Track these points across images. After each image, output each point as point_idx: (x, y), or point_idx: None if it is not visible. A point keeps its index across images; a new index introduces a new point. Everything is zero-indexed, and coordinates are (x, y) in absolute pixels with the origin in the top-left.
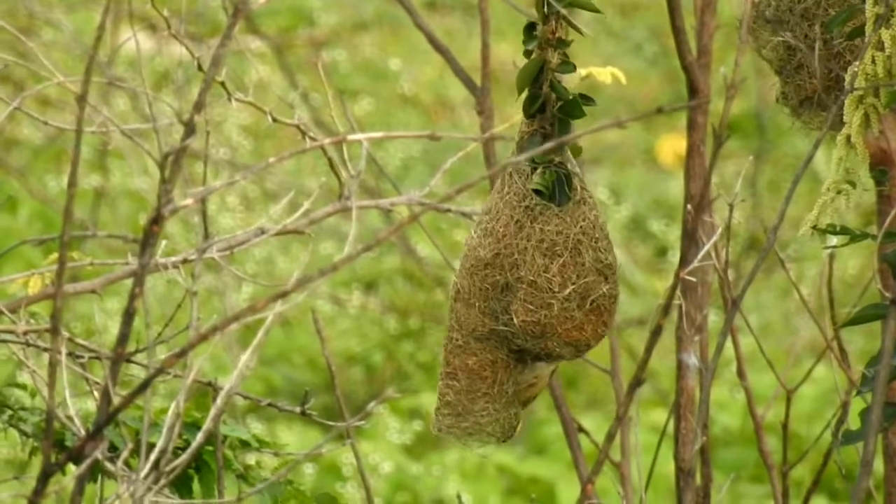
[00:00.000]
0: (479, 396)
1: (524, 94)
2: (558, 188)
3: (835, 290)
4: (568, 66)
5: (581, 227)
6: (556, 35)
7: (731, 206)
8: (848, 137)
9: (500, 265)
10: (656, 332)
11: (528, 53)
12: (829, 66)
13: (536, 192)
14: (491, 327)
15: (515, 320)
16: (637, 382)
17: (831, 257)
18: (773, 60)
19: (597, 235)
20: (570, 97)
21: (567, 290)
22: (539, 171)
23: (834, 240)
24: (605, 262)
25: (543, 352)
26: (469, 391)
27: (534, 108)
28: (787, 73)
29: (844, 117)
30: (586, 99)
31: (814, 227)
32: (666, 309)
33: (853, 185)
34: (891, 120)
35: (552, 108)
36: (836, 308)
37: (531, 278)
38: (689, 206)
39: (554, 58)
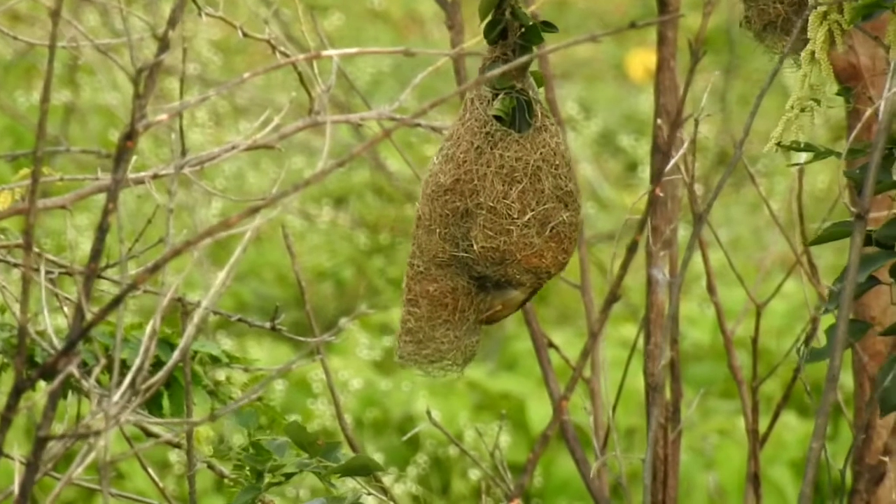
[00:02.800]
0: (440, 324)
1: (486, 21)
2: (519, 115)
3: (805, 205)
4: None
5: (541, 153)
6: None
7: (697, 121)
8: (812, 54)
9: (460, 191)
10: (632, 249)
11: None
12: None
13: (497, 118)
14: (451, 254)
15: (475, 246)
16: (612, 299)
17: (801, 172)
18: None
19: (557, 163)
20: (531, 24)
21: (526, 217)
22: (500, 97)
23: (802, 157)
24: (566, 189)
25: (503, 279)
26: (430, 318)
27: (494, 34)
28: None
29: (808, 34)
30: (548, 25)
31: (778, 144)
32: (641, 225)
33: (818, 101)
34: (860, 34)
35: (514, 34)
36: (806, 223)
37: (490, 204)
38: (659, 121)
39: None
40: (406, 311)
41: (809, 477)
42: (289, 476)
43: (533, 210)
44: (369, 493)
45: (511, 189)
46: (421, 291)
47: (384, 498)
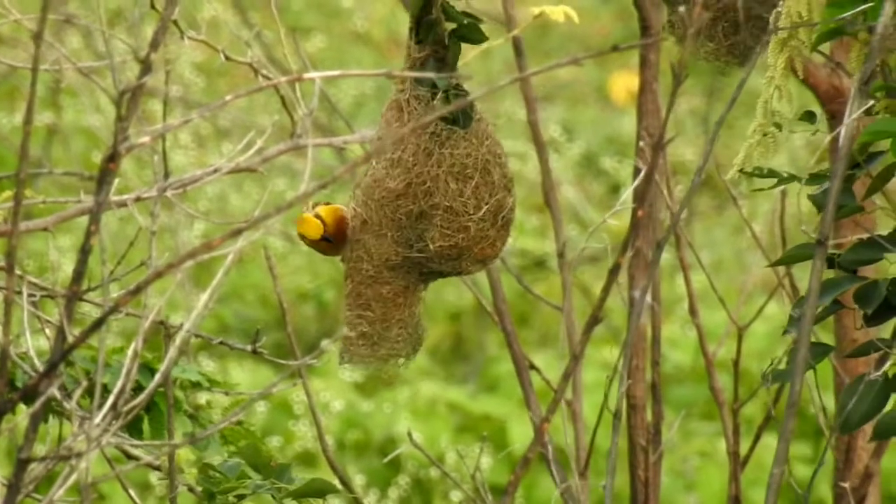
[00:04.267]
0: (394, 323)
1: (414, 19)
2: (460, 111)
3: (787, 227)
4: None
5: (486, 146)
6: None
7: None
8: (772, 79)
9: (413, 194)
10: (614, 272)
11: None
12: None
13: (441, 118)
14: (404, 255)
15: (431, 246)
16: (594, 321)
17: (783, 194)
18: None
19: (499, 151)
20: (466, 21)
21: (482, 211)
22: (440, 96)
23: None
24: (508, 176)
25: (455, 271)
26: (384, 320)
27: (427, 34)
28: (674, 1)
29: (769, 60)
30: (472, 18)
31: (741, 170)
32: (624, 248)
33: (779, 127)
34: (842, 54)
35: (444, 32)
36: (789, 244)
37: (447, 204)
38: (642, 144)
39: None
40: (356, 315)
41: (771, 502)
42: (241, 497)
43: (487, 203)
44: None
45: (465, 186)
46: (374, 295)
47: None
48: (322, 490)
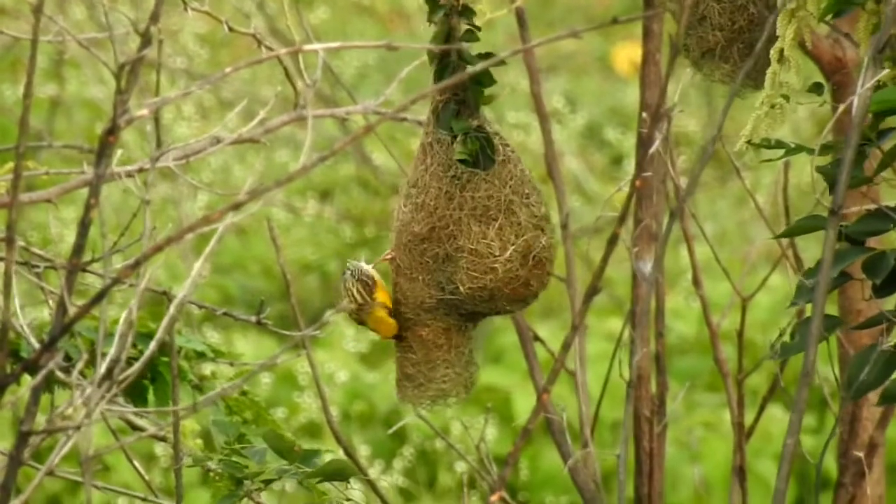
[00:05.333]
0: (439, 364)
1: (435, 64)
2: (481, 152)
3: (790, 198)
4: (473, 35)
5: (510, 186)
6: (461, 2)
7: (670, 116)
8: (781, 51)
9: (437, 238)
10: (612, 242)
11: (433, 23)
12: (733, 17)
13: (461, 161)
14: (438, 298)
15: (461, 289)
16: (593, 291)
17: (786, 165)
18: (676, 12)
19: (527, 191)
20: (479, 68)
21: (507, 252)
22: (459, 139)
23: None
24: (539, 215)
25: (493, 311)
26: (427, 361)
27: (445, 78)
28: (690, 25)
29: (777, 31)
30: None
31: (749, 142)
32: (622, 218)
33: (787, 98)
34: (846, 24)
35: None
36: (792, 216)
37: (471, 246)
38: (644, 115)
39: (460, 26)
40: (401, 357)
41: (784, 472)
42: (268, 482)
43: (513, 244)
44: (348, 500)
45: (488, 228)
46: (413, 338)
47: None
48: (343, 472)
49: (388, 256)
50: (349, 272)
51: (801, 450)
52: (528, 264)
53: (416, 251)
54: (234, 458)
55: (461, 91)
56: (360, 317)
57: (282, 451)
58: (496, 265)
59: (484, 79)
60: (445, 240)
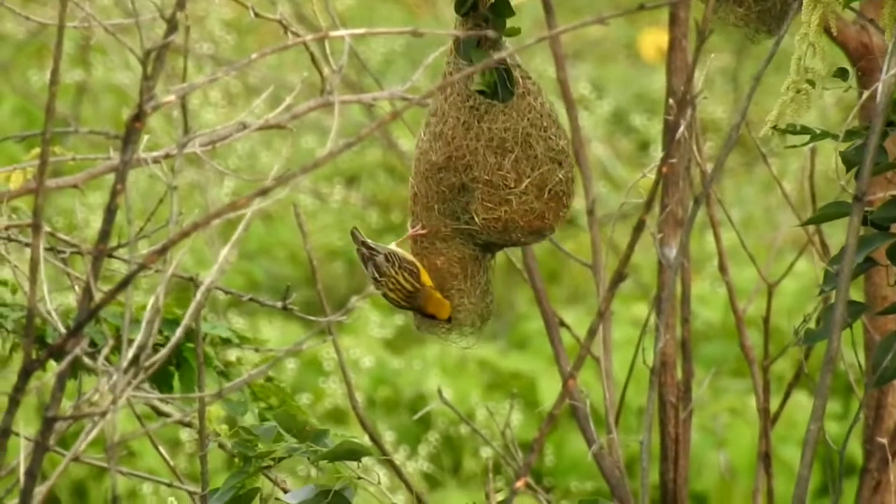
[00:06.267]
0: (454, 294)
1: None
2: (500, 84)
3: (817, 185)
4: None
5: (528, 119)
6: None
7: (694, 102)
8: (806, 36)
9: (454, 167)
10: (638, 228)
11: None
12: None
13: (479, 91)
14: (453, 227)
15: (477, 219)
16: (619, 278)
17: (813, 152)
18: None
19: (545, 124)
20: None
21: (523, 185)
22: (479, 70)
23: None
24: (557, 148)
25: (508, 243)
26: (442, 289)
27: (465, 7)
28: None
29: (803, 17)
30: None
31: (774, 127)
32: (648, 204)
33: (812, 84)
34: (872, 10)
35: (484, 5)
36: (818, 202)
37: (486, 177)
38: (671, 101)
39: None
40: None
41: (808, 459)
42: (278, 460)
43: (529, 177)
44: (359, 478)
45: (504, 160)
46: (429, 266)
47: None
48: (354, 452)
49: (421, 232)
50: (382, 256)
51: (825, 436)
52: (543, 197)
53: (433, 180)
54: (246, 437)
55: (483, 22)
56: (411, 303)
57: (292, 429)
58: (511, 197)
59: (503, 9)
60: (462, 170)
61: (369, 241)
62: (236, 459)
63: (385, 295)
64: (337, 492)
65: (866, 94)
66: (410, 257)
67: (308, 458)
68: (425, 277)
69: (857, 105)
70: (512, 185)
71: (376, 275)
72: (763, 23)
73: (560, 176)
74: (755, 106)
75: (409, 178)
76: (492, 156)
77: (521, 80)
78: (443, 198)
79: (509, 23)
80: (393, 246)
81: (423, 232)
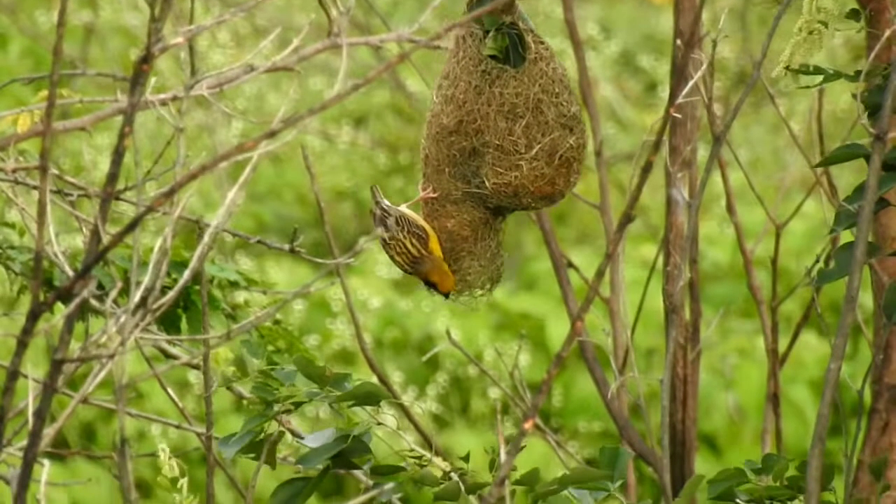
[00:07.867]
0: (464, 256)
1: None
2: (512, 49)
3: (825, 125)
4: None
5: (540, 85)
6: None
7: (715, 42)
8: None
9: (465, 131)
10: (646, 169)
11: None
12: None
13: (491, 56)
14: (464, 190)
15: (487, 184)
16: (627, 219)
17: (821, 92)
18: None
19: (557, 90)
20: None
21: (533, 150)
22: (491, 34)
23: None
24: (569, 114)
25: (518, 207)
26: (452, 251)
27: None
28: None
29: None
30: None
31: (787, 67)
32: (656, 145)
33: (825, 24)
34: None
35: None
36: (826, 143)
37: (496, 142)
38: (678, 42)
39: None
40: None
41: (827, 398)
42: (298, 405)
43: (539, 143)
44: (379, 424)
45: (515, 125)
46: (440, 228)
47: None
48: (373, 395)
49: (432, 195)
50: (393, 219)
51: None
52: (553, 163)
53: (444, 143)
54: (266, 381)
55: None
56: (415, 269)
57: (313, 375)
58: (521, 162)
59: None
60: (472, 134)
61: (385, 201)
62: (245, 402)
63: (392, 258)
64: (356, 436)
65: (886, 34)
66: (422, 223)
67: (328, 403)
68: (434, 246)
69: (876, 49)
70: (522, 151)
71: (385, 237)
72: None
73: (571, 142)
74: (760, 46)
75: (421, 139)
76: (503, 121)
77: (533, 45)
78: (454, 161)
79: None
80: (406, 209)
81: (434, 195)
